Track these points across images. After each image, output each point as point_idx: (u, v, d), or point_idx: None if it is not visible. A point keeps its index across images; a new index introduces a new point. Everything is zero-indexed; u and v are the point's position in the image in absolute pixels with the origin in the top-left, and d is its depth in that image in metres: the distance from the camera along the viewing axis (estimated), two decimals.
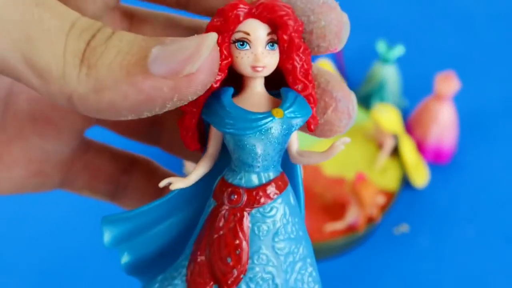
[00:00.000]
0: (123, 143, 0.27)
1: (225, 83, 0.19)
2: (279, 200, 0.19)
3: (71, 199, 0.67)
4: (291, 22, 0.18)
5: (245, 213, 0.18)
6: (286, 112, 0.18)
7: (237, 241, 0.18)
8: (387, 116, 0.66)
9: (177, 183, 0.19)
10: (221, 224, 0.18)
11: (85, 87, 0.16)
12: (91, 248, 0.62)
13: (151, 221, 0.19)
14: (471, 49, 0.90)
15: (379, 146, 0.71)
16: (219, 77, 0.18)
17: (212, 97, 0.18)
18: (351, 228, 0.62)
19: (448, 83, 0.68)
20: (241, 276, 0.17)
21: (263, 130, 0.18)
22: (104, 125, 0.25)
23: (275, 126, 0.18)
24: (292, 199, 0.20)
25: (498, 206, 0.69)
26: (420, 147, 0.72)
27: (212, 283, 0.18)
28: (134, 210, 0.18)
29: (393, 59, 0.74)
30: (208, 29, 0.18)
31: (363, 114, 0.75)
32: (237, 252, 0.18)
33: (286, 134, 0.19)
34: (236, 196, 0.18)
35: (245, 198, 0.18)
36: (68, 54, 0.16)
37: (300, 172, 0.21)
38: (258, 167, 0.18)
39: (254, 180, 0.18)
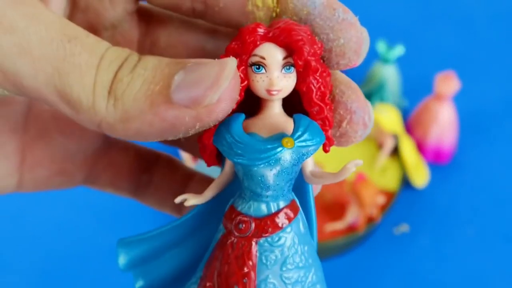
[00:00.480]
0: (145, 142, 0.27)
1: (242, 104, 0.19)
2: (288, 229, 0.18)
3: (72, 199, 0.67)
4: (306, 47, 0.18)
5: (253, 243, 0.18)
6: (296, 141, 0.18)
7: (245, 270, 0.18)
8: (387, 116, 0.66)
9: (192, 200, 0.19)
10: (229, 252, 0.18)
11: (113, 117, 0.17)
12: (91, 248, 0.62)
13: (165, 244, 0.19)
14: (471, 49, 0.90)
15: (379, 146, 0.71)
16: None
17: (222, 125, 0.18)
18: (351, 228, 0.62)
19: (448, 83, 0.68)
20: None
21: (272, 161, 0.18)
22: None
23: (284, 157, 0.18)
24: (302, 227, 0.19)
25: (498, 206, 0.69)
26: (420, 147, 0.73)
27: None
28: (148, 232, 0.18)
29: (393, 59, 0.74)
30: (227, 52, 0.18)
31: None
32: (244, 281, 0.18)
33: (297, 163, 0.18)
34: (244, 226, 0.18)
35: (253, 227, 0.18)
36: (98, 87, 0.17)
37: (312, 196, 0.21)
38: (267, 196, 0.18)
39: (263, 209, 0.18)
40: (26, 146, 0.22)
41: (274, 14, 0.19)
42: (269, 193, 0.18)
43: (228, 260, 0.18)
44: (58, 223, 0.65)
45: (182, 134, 0.18)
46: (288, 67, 0.18)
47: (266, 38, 0.18)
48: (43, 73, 0.17)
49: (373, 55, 0.77)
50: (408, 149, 0.68)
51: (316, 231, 0.21)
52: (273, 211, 0.18)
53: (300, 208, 0.20)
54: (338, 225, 0.62)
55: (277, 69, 0.18)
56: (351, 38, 0.19)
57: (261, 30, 0.18)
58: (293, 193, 0.20)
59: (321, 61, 0.19)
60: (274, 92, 0.19)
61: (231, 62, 0.17)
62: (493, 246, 0.64)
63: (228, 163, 0.20)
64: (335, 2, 0.19)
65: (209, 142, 0.19)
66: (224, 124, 0.18)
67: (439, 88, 0.68)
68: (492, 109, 0.81)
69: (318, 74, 0.19)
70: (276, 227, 0.18)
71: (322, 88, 0.19)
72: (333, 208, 0.65)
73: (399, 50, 0.73)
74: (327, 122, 0.19)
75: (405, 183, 0.68)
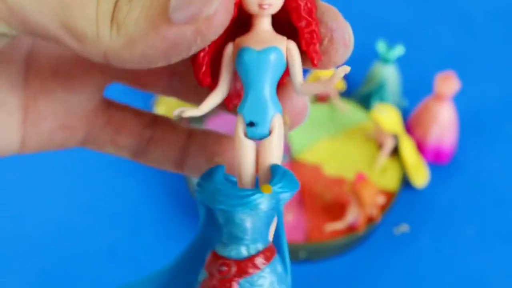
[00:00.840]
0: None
1: (233, 25, 0.20)
2: (267, 270, 0.19)
3: (72, 199, 0.67)
4: None
5: (234, 283, 0.19)
6: (274, 187, 0.19)
7: None
8: (387, 116, 0.66)
9: (189, 112, 0.21)
10: None
11: (118, 44, 0.18)
12: (91, 248, 0.62)
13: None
14: (471, 49, 0.91)
15: (379, 146, 0.71)
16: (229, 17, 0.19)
17: (204, 176, 0.20)
18: (351, 228, 0.62)
19: (448, 83, 0.68)
20: None
21: (251, 206, 0.19)
22: (124, 81, 0.26)
23: (264, 202, 0.19)
24: (279, 268, 0.20)
25: (498, 206, 0.69)
26: (420, 147, 0.73)
27: None
28: (138, 279, 0.20)
29: (393, 59, 0.74)
30: None
31: (363, 114, 0.75)
32: None
33: (274, 208, 0.19)
34: (226, 268, 0.19)
35: (234, 269, 0.19)
36: (100, 16, 0.18)
37: (285, 239, 0.22)
38: (247, 239, 0.19)
39: (244, 252, 0.19)
40: (28, 102, 0.23)
41: None
42: (249, 236, 0.19)
43: None
44: (58, 223, 0.65)
45: (185, 52, 0.19)
46: None
47: None
48: (47, 7, 0.18)
49: (373, 55, 0.77)
50: (408, 149, 0.68)
51: (290, 273, 0.22)
52: (252, 253, 0.19)
53: (276, 250, 0.21)
54: (338, 225, 0.62)
55: None
56: (337, 35, 0.21)
57: None
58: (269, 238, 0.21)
59: None
60: (265, 6, 0.20)
61: None
62: (493, 246, 0.65)
63: (222, 78, 0.21)
64: (326, 8, 0.21)
65: (204, 60, 0.20)
66: (207, 175, 0.20)
67: (439, 88, 0.68)
68: (492, 109, 0.81)
69: None
70: (256, 268, 0.19)
71: (309, 5, 0.21)
72: (333, 208, 0.65)
73: (399, 50, 0.73)
74: (314, 35, 0.21)
75: (405, 183, 0.68)
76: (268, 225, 0.19)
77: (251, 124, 0.20)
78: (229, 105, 0.22)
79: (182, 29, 0.18)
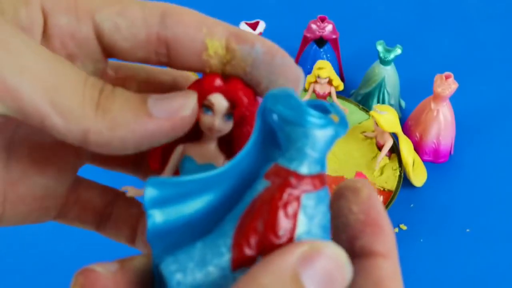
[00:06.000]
0: (107, 178, 0.31)
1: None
2: (323, 193, 0.20)
3: None
4: (245, 103, 0.23)
5: (303, 194, 0.19)
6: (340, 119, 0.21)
7: (291, 220, 0.19)
8: (386, 116, 0.67)
9: (132, 192, 0.25)
10: (278, 202, 0.19)
11: (101, 125, 0.20)
12: (91, 248, 0.63)
13: (189, 192, 0.20)
14: (469, 51, 0.91)
15: (378, 146, 0.71)
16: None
17: (286, 93, 0.20)
18: None
19: (446, 84, 0.69)
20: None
21: (330, 125, 0.20)
22: (94, 162, 0.28)
23: (334, 127, 0.20)
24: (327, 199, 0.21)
25: (495, 204, 0.69)
26: (419, 147, 0.73)
27: (257, 254, 0.19)
28: (177, 178, 0.20)
29: (392, 60, 0.74)
30: (189, 88, 0.23)
31: (362, 114, 0.76)
32: (289, 227, 0.19)
33: (335, 137, 0.21)
34: (295, 179, 0.19)
35: (299, 182, 0.19)
36: (87, 99, 0.20)
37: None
38: (313, 157, 0.20)
39: (305, 169, 0.20)
40: (7, 187, 0.24)
41: (225, 61, 0.23)
42: (316, 155, 0.20)
43: (275, 207, 0.19)
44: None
45: (157, 142, 0.21)
46: (229, 116, 0.23)
47: (219, 90, 0.23)
48: (40, 88, 0.20)
49: (372, 56, 0.77)
50: (406, 148, 0.68)
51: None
52: (313, 173, 0.20)
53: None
54: None
55: (220, 115, 0.23)
56: (289, 78, 0.23)
57: (217, 82, 0.23)
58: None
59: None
60: (214, 132, 0.23)
61: (194, 94, 0.22)
62: (491, 244, 0.65)
63: (168, 170, 0.24)
64: (275, 49, 0.23)
65: (155, 151, 0.24)
66: (288, 93, 0.21)
67: (437, 89, 0.69)
68: (489, 109, 0.81)
69: (249, 127, 0.23)
70: (316, 187, 0.20)
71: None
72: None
73: (397, 51, 0.73)
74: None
75: (404, 182, 0.69)
76: (326, 153, 0.20)
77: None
78: (152, 165, 0.25)
79: (161, 123, 0.21)
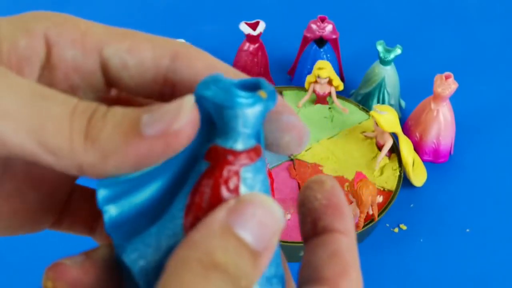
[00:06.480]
0: None
1: None
2: (259, 164, 0.21)
3: None
4: None
5: (241, 169, 0.21)
6: (268, 95, 0.21)
7: (233, 194, 0.20)
8: (386, 116, 0.67)
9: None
10: (219, 179, 0.20)
11: (92, 157, 0.19)
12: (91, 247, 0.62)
13: (139, 183, 0.21)
14: (469, 51, 0.91)
15: (378, 146, 0.72)
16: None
17: (213, 78, 0.21)
18: None
19: (446, 84, 0.69)
20: None
21: (257, 103, 0.21)
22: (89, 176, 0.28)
23: (262, 103, 0.21)
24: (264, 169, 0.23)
25: (494, 204, 0.69)
26: (419, 147, 0.73)
27: None
28: (125, 177, 0.21)
29: (392, 60, 0.74)
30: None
31: (362, 114, 0.76)
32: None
33: (264, 111, 0.21)
34: (232, 156, 0.21)
35: (236, 159, 0.21)
36: (74, 133, 0.19)
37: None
38: (245, 134, 0.21)
39: (240, 145, 0.21)
40: (1, 200, 0.24)
41: None
42: (248, 131, 0.21)
43: (217, 185, 0.20)
44: None
45: (154, 163, 0.20)
46: None
47: None
48: (24, 131, 0.19)
49: (372, 56, 0.77)
50: (406, 149, 0.69)
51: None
52: (248, 147, 0.21)
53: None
54: None
55: None
56: (294, 135, 0.23)
57: None
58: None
59: None
60: None
61: (190, 97, 0.20)
62: (491, 244, 0.65)
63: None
64: (282, 106, 0.22)
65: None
66: (216, 77, 0.21)
67: (437, 88, 0.69)
68: (489, 109, 0.82)
69: None
70: (251, 160, 0.21)
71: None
72: None
73: (397, 51, 0.74)
74: None
75: (404, 182, 0.69)
76: (259, 127, 0.21)
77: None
78: None
79: (153, 142, 0.19)
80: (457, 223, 0.67)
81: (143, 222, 0.22)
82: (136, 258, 0.21)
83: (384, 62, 0.75)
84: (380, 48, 0.74)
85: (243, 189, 0.20)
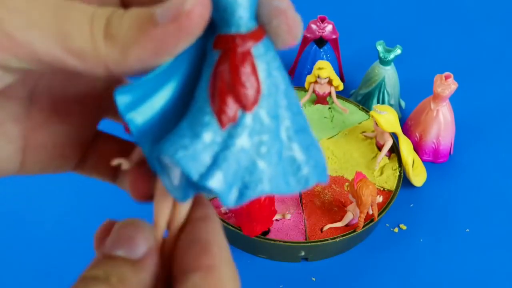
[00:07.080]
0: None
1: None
2: (266, 41, 0.22)
3: (72, 199, 0.68)
4: None
5: (253, 47, 0.22)
6: None
7: (250, 70, 0.22)
8: (386, 116, 0.67)
9: (125, 164, 0.25)
10: (234, 61, 0.22)
11: (114, 53, 0.21)
12: (91, 247, 0.62)
13: (154, 87, 0.22)
14: (469, 51, 0.91)
15: (378, 146, 0.72)
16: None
17: None
18: (350, 227, 0.63)
19: (446, 84, 0.69)
20: (259, 95, 0.22)
21: None
22: (114, 117, 0.29)
23: None
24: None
25: (494, 204, 0.69)
26: (418, 147, 0.73)
27: (237, 107, 0.22)
28: (138, 79, 0.22)
29: (392, 60, 0.74)
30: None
31: (362, 114, 0.76)
32: (252, 76, 0.22)
33: None
34: (240, 40, 0.22)
35: (245, 38, 0.22)
36: (95, 34, 0.21)
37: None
38: (247, 18, 0.22)
39: (243, 28, 0.22)
40: (28, 133, 0.26)
41: None
42: (249, 14, 0.22)
43: (236, 66, 0.21)
44: (58, 223, 0.65)
45: (173, 49, 0.21)
46: None
47: None
48: (50, 38, 0.20)
49: (372, 56, 0.77)
50: (406, 149, 0.69)
51: None
52: (251, 29, 0.22)
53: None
54: (338, 224, 0.63)
55: None
56: (282, 19, 0.23)
57: None
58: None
59: None
60: None
61: None
62: (490, 244, 0.65)
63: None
64: None
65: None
66: None
67: (437, 89, 0.69)
68: (489, 110, 0.82)
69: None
70: (258, 38, 0.22)
71: None
72: (332, 207, 0.65)
73: (397, 51, 0.74)
74: None
75: (404, 182, 0.69)
76: (254, 9, 0.22)
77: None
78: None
79: (168, 27, 0.20)
80: (456, 223, 0.67)
81: (167, 125, 0.23)
82: (176, 149, 0.21)
83: (384, 62, 0.75)
84: (380, 48, 0.74)
85: (259, 65, 0.22)
